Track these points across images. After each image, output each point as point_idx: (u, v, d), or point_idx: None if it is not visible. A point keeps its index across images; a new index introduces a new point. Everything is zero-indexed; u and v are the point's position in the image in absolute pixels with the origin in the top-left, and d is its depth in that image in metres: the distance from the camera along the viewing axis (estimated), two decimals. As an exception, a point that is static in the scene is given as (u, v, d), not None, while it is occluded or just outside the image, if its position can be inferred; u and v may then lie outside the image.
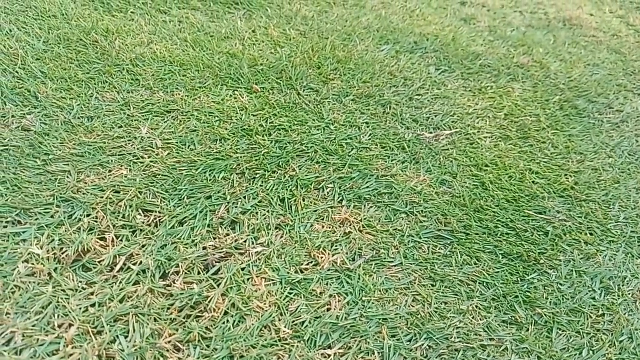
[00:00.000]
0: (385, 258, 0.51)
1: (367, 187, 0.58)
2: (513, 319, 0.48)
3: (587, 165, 0.65)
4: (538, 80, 0.78)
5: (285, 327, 0.43)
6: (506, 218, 0.57)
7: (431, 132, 0.68)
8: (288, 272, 0.48)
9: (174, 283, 0.45)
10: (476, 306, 0.48)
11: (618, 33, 0.92)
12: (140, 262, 0.46)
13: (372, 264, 0.50)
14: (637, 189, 0.63)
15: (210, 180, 0.54)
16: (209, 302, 0.44)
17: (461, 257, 0.52)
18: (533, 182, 0.62)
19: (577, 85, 0.78)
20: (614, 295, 0.51)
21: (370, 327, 0.45)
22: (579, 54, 0.85)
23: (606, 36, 0.91)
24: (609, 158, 0.67)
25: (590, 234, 0.57)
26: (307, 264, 0.49)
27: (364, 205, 0.56)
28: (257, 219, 0.51)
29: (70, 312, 0.41)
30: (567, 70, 0.81)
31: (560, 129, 0.71)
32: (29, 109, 0.58)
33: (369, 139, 0.64)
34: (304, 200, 0.55)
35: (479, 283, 0.50)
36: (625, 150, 0.69)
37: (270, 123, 0.62)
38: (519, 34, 0.87)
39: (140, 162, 0.55)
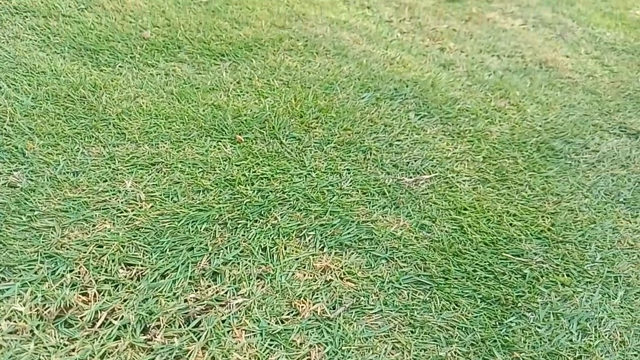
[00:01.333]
0: (365, 306, 0.52)
1: (349, 233, 0.59)
2: (492, 364, 0.48)
3: (563, 206, 0.67)
4: (515, 123, 0.80)
5: (264, 379, 0.44)
6: (484, 262, 0.58)
7: (411, 177, 0.69)
8: (269, 323, 0.48)
9: (155, 337, 0.46)
10: (455, 352, 0.49)
11: (593, 74, 0.95)
12: (122, 317, 0.46)
13: (352, 312, 0.51)
14: (614, 228, 0.65)
15: (192, 232, 0.55)
16: (189, 356, 0.45)
17: (440, 303, 0.53)
18: (511, 224, 0.63)
19: (554, 127, 0.81)
20: (591, 337, 0.52)
21: (349, 377, 0.45)
22: (555, 95, 0.87)
23: (582, 77, 0.94)
24: (586, 198, 0.69)
25: (567, 275, 0.58)
26: (288, 314, 0.50)
27: (345, 252, 0.57)
28: (239, 270, 0.52)
29: (50, 370, 0.42)
30: (544, 112, 0.83)
31: (537, 170, 0.72)
32: (16, 166, 0.60)
33: (350, 186, 0.66)
34: (285, 248, 0.56)
35: (458, 328, 0.51)
36: (601, 190, 0.70)
37: (253, 172, 0.64)
38: (497, 77, 0.90)
39: (124, 216, 0.56)
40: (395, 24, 1.06)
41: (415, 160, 0.72)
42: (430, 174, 0.70)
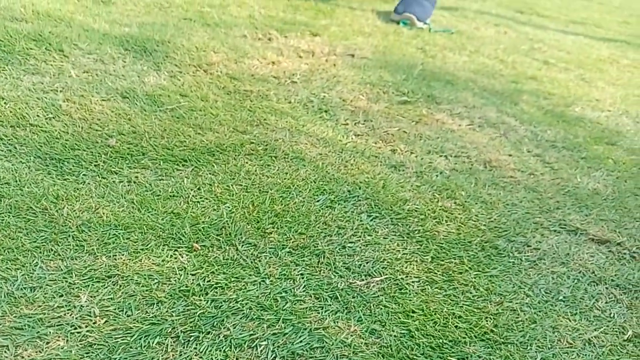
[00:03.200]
0: (314, 418, 0.53)
1: (300, 341, 0.61)
2: None
3: (506, 306, 0.70)
4: (461, 223, 0.85)
5: None
6: (431, 367, 0.60)
7: (363, 280, 0.72)
8: None
9: None
10: None
11: (535, 172, 1.02)
12: None
13: None
14: (553, 327, 0.68)
15: (144, 346, 0.57)
16: None
17: (387, 412, 0.55)
18: (456, 326, 0.66)
19: (497, 226, 0.86)
20: None
21: None
22: (498, 195, 0.93)
23: (524, 176, 1.01)
24: (527, 297, 0.72)
25: (510, 378, 0.60)
26: None
27: (296, 362, 0.58)
28: (190, 385, 0.54)
29: None
30: (488, 211, 0.89)
31: (482, 270, 0.76)
32: (-27, 283, 0.61)
33: (304, 291, 0.68)
34: (237, 360, 0.57)
35: None
36: (542, 288, 0.74)
37: (207, 282, 0.66)
38: (444, 178, 0.96)
39: (78, 333, 0.57)
40: (351, 127, 1.13)
41: (367, 263, 0.75)
42: (381, 275, 0.74)
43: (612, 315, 0.72)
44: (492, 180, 0.99)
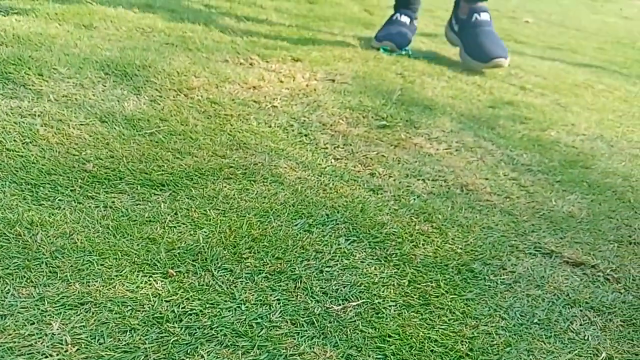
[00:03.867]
0: None
1: (275, 368, 0.61)
2: None
3: (481, 330, 0.71)
4: (438, 246, 0.86)
5: None
6: (406, 392, 0.60)
7: (339, 305, 0.72)
8: None
9: None
10: None
11: (510, 195, 1.04)
12: None
13: None
14: (528, 351, 0.69)
15: (116, 375, 0.56)
16: None
17: None
18: (432, 350, 0.66)
19: (474, 249, 0.87)
20: None
21: None
22: (474, 218, 0.94)
23: (500, 199, 1.02)
24: (503, 321, 0.73)
25: (485, 402, 0.61)
26: None
27: (270, 389, 0.58)
28: (161, 414, 0.53)
29: None
30: (464, 234, 0.89)
31: (458, 294, 0.77)
32: (-59, 311, 0.60)
33: (280, 317, 0.68)
34: (210, 388, 0.56)
35: None
36: (517, 311, 0.75)
37: (182, 309, 0.66)
38: (421, 201, 0.97)
39: (47, 362, 0.56)
40: (330, 150, 1.14)
41: (344, 287, 0.76)
42: (358, 300, 0.74)
43: (586, 337, 0.72)
44: (469, 203, 1.00)
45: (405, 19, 1.98)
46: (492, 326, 0.71)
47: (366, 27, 2.22)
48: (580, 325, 0.74)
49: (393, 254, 0.84)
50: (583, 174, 1.20)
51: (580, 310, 0.77)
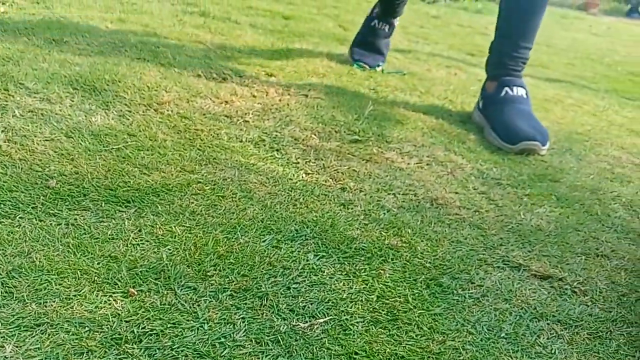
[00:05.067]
0: None
1: (237, 388, 0.59)
2: None
3: (448, 345, 0.70)
4: (407, 261, 0.86)
5: None
6: (371, 411, 0.59)
7: (306, 322, 0.71)
8: None
9: None
10: None
11: (480, 209, 1.04)
12: None
13: None
14: (495, 365, 0.68)
15: (69, 400, 0.54)
16: None
17: None
18: (398, 368, 0.66)
19: (442, 263, 0.87)
20: None
21: None
22: (444, 232, 0.94)
23: (469, 213, 1.03)
24: (470, 335, 0.73)
25: (451, 419, 0.60)
26: None
27: (232, 411, 0.56)
28: None
29: None
30: (433, 249, 0.89)
31: (426, 309, 0.76)
32: None
33: (244, 336, 0.67)
34: (169, 411, 0.55)
35: None
36: (485, 325, 0.75)
37: (142, 329, 0.64)
38: (391, 216, 0.97)
39: (-3, 387, 0.54)
40: (302, 165, 1.13)
41: (311, 304, 0.74)
42: (326, 317, 0.73)
43: (553, 351, 0.72)
44: (438, 217, 1.00)
45: (385, 27, 1.92)
46: (459, 341, 0.71)
47: (340, 43, 2.23)
48: (547, 339, 0.74)
49: (362, 269, 0.83)
50: (552, 187, 1.21)
51: (548, 324, 0.77)
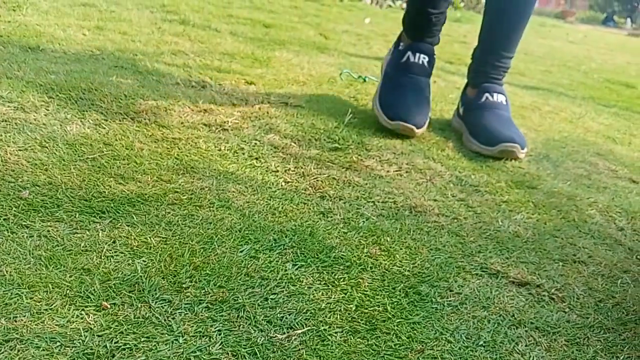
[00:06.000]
0: None
1: (213, 403, 0.58)
2: None
3: (427, 354, 0.70)
4: (386, 269, 0.85)
5: None
6: (349, 423, 0.58)
7: (284, 333, 0.70)
8: None
9: None
10: None
11: (458, 216, 1.04)
12: None
13: None
14: (473, 374, 0.68)
15: (37, 419, 0.52)
16: None
17: None
18: (376, 378, 0.65)
19: (421, 271, 0.86)
20: None
21: None
22: (422, 239, 0.94)
23: (447, 220, 1.03)
24: (449, 344, 0.72)
25: None
26: None
27: None
28: None
29: None
30: (412, 256, 0.89)
31: (405, 317, 0.76)
32: None
33: (220, 348, 0.66)
34: None
35: None
36: (463, 334, 0.75)
37: (115, 343, 0.63)
38: (370, 224, 0.97)
39: (-39, 407, 0.52)
40: (281, 173, 1.13)
41: (289, 314, 0.74)
42: (304, 327, 0.72)
43: (531, 358, 0.73)
44: (417, 225, 1.00)
45: (422, 59, 1.41)
46: (437, 350, 0.71)
47: (321, 51, 2.24)
48: (526, 346, 0.74)
49: (341, 278, 0.82)
50: (529, 194, 1.22)
51: (526, 331, 0.77)
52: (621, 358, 0.75)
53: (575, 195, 1.25)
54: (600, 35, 5.70)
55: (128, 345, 0.63)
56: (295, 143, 1.29)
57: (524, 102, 2.05)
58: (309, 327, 0.72)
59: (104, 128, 1.17)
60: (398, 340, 0.72)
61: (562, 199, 1.22)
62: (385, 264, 0.88)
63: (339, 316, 0.75)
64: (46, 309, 0.66)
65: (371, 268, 0.86)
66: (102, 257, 0.77)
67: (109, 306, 0.68)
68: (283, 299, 0.76)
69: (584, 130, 1.82)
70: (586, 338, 0.78)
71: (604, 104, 2.34)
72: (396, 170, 1.22)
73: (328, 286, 0.81)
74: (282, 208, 0.99)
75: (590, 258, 0.99)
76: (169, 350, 0.63)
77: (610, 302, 0.87)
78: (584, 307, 0.85)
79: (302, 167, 1.17)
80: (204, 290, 0.74)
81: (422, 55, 1.40)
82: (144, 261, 0.77)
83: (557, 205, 1.19)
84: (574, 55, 3.93)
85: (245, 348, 0.66)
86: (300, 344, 0.69)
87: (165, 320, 0.68)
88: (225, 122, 1.33)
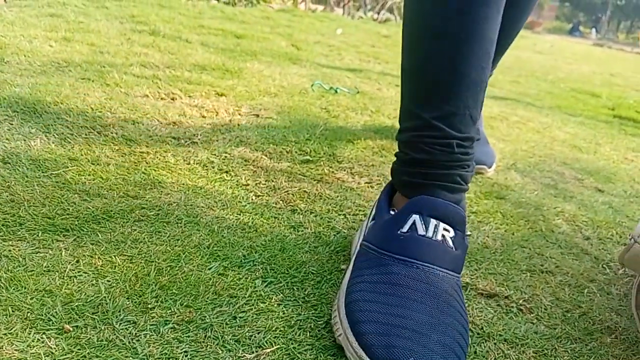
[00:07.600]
0: None
1: None
2: None
3: (397, 370, 0.69)
4: (356, 284, 0.85)
5: None
6: None
7: (253, 352, 0.69)
8: None
9: None
10: None
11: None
12: None
13: None
14: (443, 389, 0.68)
15: None
16: None
17: None
18: (346, 397, 0.64)
19: (391, 285, 0.86)
20: None
21: None
22: (393, 253, 0.94)
23: (418, 232, 1.03)
24: (418, 359, 0.72)
25: None
26: None
27: None
28: None
29: None
30: (383, 270, 0.89)
31: (375, 333, 0.75)
32: None
33: (187, 370, 0.64)
34: None
35: None
36: (433, 348, 0.74)
37: (76, 368, 0.61)
38: (341, 237, 0.96)
39: None
40: (252, 187, 1.12)
41: (258, 333, 0.73)
42: (273, 346, 0.71)
43: (500, 371, 0.73)
44: (387, 238, 1.00)
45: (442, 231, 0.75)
46: (407, 366, 0.70)
47: (293, 62, 2.24)
48: (495, 359, 0.75)
49: (311, 294, 0.82)
50: (497, 204, 1.24)
51: (495, 344, 0.78)
52: (587, 368, 0.76)
53: (542, 205, 1.27)
54: (566, 45, 5.85)
55: (90, 370, 0.61)
56: (266, 156, 1.28)
57: (493, 112, 2.09)
58: (279, 346, 0.71)
59: (70, 142, 1.14)
60: (368, 357, 0.71)
61: (530, 209, 1.24)
62: (356, 278, 0.87)
63: (309, 333, 0.74)
64: (5, 334, 0.63)
65: (340, 284, 0.86)
66: (65, 278, 0.75)
67: (71, 329, 0.66)
68: (252, 317, 0.75)
69: (551, 140, 1.86)
70: (554, 349, 0.79)
71: (570, 113, 2.40)
72: (367, 182, 1.22)
73: (298, 302, 0.80)
74: (252, 223, 0.98)
75: (558, 268, 1.01)
76: (133, 374, 0.62)
77: (577, 312, 0.89)
78: (552, 317, 0.86)
79: (272, 181, 1.16)
80: (170, 310, 0.73)
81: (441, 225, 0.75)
82: (109, 281, 0.76)
83: (525, 215, 1.21)
84: (542, 65, 4.02)
85: (212, 369, 0.65)
86: (269, 363, 0.68)
87: (129, 342, 0.66)
88: (194, 135, 1.32)
